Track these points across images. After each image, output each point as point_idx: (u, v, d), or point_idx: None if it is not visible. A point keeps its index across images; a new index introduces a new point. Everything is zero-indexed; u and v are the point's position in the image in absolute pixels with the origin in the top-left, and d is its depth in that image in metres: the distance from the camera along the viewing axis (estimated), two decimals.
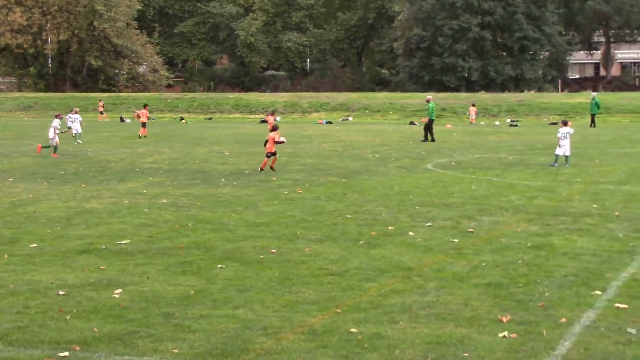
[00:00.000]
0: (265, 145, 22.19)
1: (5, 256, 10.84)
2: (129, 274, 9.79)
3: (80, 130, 34.29)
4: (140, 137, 36.49)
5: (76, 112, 35.63)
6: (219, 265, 10.21)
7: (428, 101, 36.52)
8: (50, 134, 27.55)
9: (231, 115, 59.60)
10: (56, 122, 27.82)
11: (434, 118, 35.16)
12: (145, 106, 40.65)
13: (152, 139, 35.82)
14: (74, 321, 7.73)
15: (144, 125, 37.68)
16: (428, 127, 34.28)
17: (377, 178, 19.84)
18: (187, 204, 15.60)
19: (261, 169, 21.03)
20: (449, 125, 47.81)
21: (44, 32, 65.65)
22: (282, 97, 64.66)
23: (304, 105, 61.00)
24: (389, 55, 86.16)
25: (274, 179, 19.72)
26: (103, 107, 56.67)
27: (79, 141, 33.08)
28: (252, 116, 57.85)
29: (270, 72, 79.70)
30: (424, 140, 33.76)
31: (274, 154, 21.30)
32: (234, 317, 7.85)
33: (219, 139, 35.82)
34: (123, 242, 11.81)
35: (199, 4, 72.70)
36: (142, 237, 12.19)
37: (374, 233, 12.36)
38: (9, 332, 7.40)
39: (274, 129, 21.56)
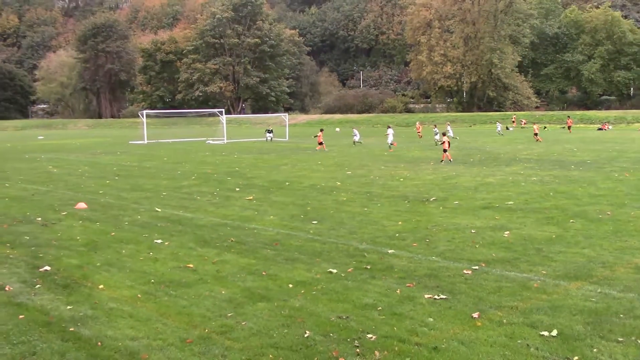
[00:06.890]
0: None
1: (440, 208, 15.77)
2: (513, 222, 13.84)
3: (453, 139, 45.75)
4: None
5: (437, 127, 48.10)
6: (571, 220, 13.79)
7: None
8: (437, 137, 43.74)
9: (579, 125, 74.02)
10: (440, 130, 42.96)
11: None
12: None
13: (524, 140, 46.60)
14: (480, 249, 11.29)
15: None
16: None
17: None
18: (549, 181, 20.74)
19: None
20: None
21: (462, 77, 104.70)
22: (612, 113, 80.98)
23: (628, 118, 74.89)
24: None
25: (606, 166, 24.42)
26: (516, 119, 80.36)
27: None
28: (591, 126, 72.77)
29: (605, 97, 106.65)
30: None
31: None
32: (582, 254, 10.51)
33: (578, 140, 46.58)
34: (509, 202, 16.32)
35: (557, 55, 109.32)
36: (521, 200, 16.71)
37: None
38: (444, 252, 11.32)
39: None
